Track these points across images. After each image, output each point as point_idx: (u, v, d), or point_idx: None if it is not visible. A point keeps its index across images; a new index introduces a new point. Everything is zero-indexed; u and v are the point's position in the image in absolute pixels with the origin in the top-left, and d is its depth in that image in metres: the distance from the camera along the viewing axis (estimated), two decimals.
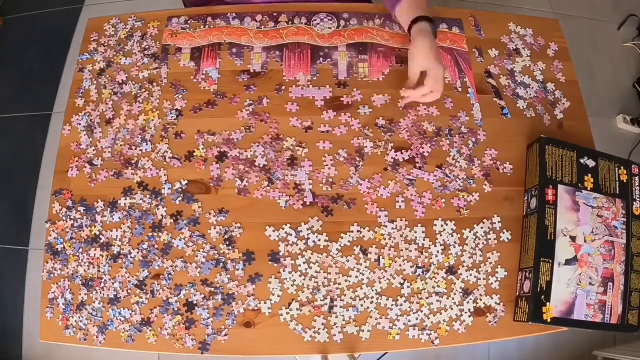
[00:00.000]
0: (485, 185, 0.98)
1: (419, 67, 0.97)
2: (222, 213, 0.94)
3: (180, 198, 0.94)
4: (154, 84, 1.04)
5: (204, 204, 0.94)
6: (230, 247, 0.92)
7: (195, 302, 0.89)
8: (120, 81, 1.05)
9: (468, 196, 0.97)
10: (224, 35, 1.08)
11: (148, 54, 1.07)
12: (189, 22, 1.10)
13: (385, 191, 0.96)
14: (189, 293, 0.89)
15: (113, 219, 0.94)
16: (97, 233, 0.93)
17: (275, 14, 1.10)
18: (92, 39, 1.10)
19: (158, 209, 0.94)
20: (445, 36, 1.11)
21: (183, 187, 0.95)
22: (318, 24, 1.10)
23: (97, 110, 1.02)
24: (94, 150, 0.99)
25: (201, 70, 1.05)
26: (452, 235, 0.94)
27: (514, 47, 1.13)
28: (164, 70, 1.05)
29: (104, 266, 0.91)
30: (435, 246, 0.93)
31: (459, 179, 0.98)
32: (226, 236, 0.92)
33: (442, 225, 0.95)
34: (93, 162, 0.98)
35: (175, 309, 0.89)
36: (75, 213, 0.95)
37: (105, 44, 1.10)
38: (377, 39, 1.09)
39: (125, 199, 0.95)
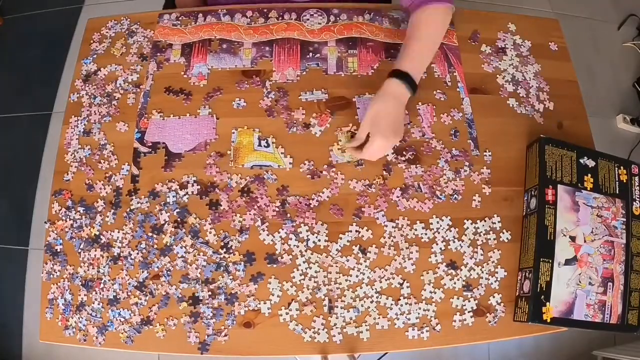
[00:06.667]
0: (485, 187, 0.98)
1: (363, 127, 0.92)
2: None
3: (178, 210, 0.94)
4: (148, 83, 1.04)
5: (199, 214, 0.94)
6: (230, 252, 0.91)
7: (201, 298, 0.89)
8: (120, 82, 1.05)
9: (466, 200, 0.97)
10: (215, 32, 1.09)
11: (144, 55, 1.07)
12: (180, 18, 1.11)
13: (382, 200, 0.95)
14: (195, 289, 0.89)
15: (114, 220, 0.94)
16: (97, 233, 0.93)
17: (265, 11, 1.10)
18: (93, 40, 1.10)
19: (161, 213, 0.94)
20: None
21: (181, 198, 0.94)
22: (308, 19, 1.10)
23: (97, 113, 1.02)
24: (94, 151, 0.99)
25: (191, 66, 1.05)
26: (453, 238, 0.94)
27: (513, 47, 1.13)
28: (152, 66, 1.05)
29: (104, 267, 0.91)
30: (437, 244, 0.93)
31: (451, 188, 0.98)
32: (226, 241, 0.92)
33: (439, 224, 0.94)
34: (92, 163, 0.99)
35: (180, 295, 0.89)
36: (75, 213, 0.95)
37: (105, 44, 1.10)
38: (367, 33, 1.09)
39: (129, 199, 0.95)
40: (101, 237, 0.93)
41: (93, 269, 0.92)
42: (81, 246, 0.93)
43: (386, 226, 0.94)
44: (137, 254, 0.91)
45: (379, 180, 0.97)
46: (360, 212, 0.94)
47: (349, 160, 0.97)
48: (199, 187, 0.95)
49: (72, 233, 0.94)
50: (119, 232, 0.93)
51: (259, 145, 0.98)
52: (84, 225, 0.94)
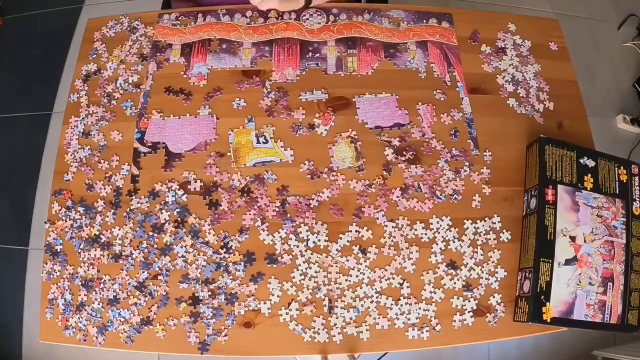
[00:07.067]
0: (485, 187, 0.98)
1: None
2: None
3: (178, 210, 0.94)
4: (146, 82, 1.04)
5: (199, 214, 0.94)
6: (230, 252, 0.91)
7: (201, 298, 0.89)
8: (120, 82, 1.05)
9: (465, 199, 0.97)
10: (214, 32, 1.09)
11: (144, 55, 1.07)
12: (179, 18, 1.11)
13: (382, 200, 0.95)
14: (195, 289, 0.89)
15: (114, 220, 0.94)
16: (97, 233, 0.93)
17: (265, 10, 1.10)
18: (95, 40, 1.10)
19: (161, 212, 0.94)
20: (435, 30, 1.11)
21: (180, 198, 0.95)
22: (307, 19, 1.10)
23: (97, 113, 1.02)
24: (94, 151, 0.99)
25: (191, 66, 1.05)
26: (453, 238, 0.94)
27: (513, 47, 1.13)
28: (152, 66, 1.05)
29: (105, 264, 0.91)
30: (437, 244, 0.93)
31: (450, 188, 0.97)
32: (226, 241, 0.92)
33: (439, 224, 0.94)
34: (92, 163, 0.99)
35: (178, 297, 0.89)
36: (75, 213, 0.95)
37: (105, 44, 1.10)
38: (366, 33, 1.10)
39: (129, 199, 0.95)
40: (101, 236, 0.93)
41: (93, 268, 0.92)
42: (81, 246, 0.93)
43: (386, 226, 0.93)
44: (139, 253, 0.91)
45: (379, 180, 0.97)
46: (360, 212, 0.94)
47: (350, 166, 0.97)
48: (201, 184, 0.95)
49: (72, 233, 0.94)
50: (119, 229, 0.93)
51: (258, 142, 0.98)
52: (84, 225, 0.94)
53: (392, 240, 0.93)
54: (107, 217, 0.94)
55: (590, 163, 0.96)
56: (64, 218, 0.95)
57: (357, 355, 0.96)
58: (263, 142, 0.98)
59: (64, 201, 0.96)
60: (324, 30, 1.09)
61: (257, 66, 1.05)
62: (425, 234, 0.94)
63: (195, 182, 0.95)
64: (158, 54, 1.07)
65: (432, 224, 0.95)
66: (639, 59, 2.27)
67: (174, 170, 0.96)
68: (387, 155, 0.98)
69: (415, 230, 0.94)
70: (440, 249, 0.93)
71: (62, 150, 1.01)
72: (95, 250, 0.92)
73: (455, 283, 0.92)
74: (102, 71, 1.07)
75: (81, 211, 0.95)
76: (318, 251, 0.92)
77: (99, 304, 0.90)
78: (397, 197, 0.96)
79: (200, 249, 0.91)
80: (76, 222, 0.95)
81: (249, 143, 0.98)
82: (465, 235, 0.94)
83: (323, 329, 0.88)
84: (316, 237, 0.92)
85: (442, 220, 0.95)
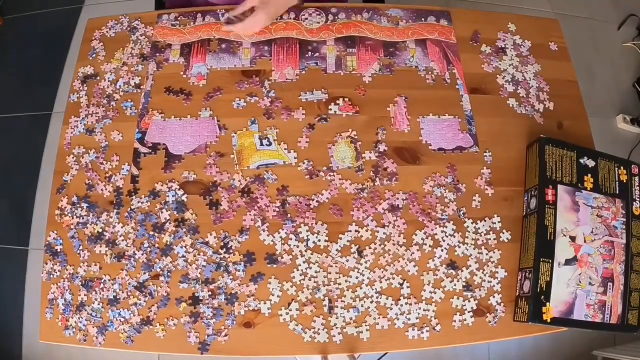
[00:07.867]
0: (485, 188, 0.98)
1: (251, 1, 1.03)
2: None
3: (176, 208, 0.94)
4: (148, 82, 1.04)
5: (199, 214, 0.94)
6: (230, 252, 0.91)
7: (201, 298, 0.89)
8: (120, 83, 1.05)
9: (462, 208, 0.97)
10: (214, 32, 1.09)
11: (144, 55, 1.07)
12: (178, 19, 1.11)
13: (371, 209, 0.95)
14: (195, 289, 0.89)
15: (117, 219, 0.94)
16: (101, 230, 0.93)
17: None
18: (93, 39, 1.10)
19: (162, 212, 0.94)
20: (434, 28, 1.11)
21: (180, 198, 0.95)
22: (306, 18, 1.10)
23: (97, 113, 1.02)
24: (94, 152, 0.99)
25: (191, 66, 1.05)
26: (454, 236, 0.94)
27: (513, 47, 1.13)
28: (152, 67, 1.05)
29: (108, 264, 0.91)
30: (441, 246, 0.93)
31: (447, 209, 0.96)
32: (226, 241, 0.92)
33: (443, 232, 0.94)
34: (93, 163, 0.99)
35: (178, 297, 0.89)
36: (81, 210, 0.95)
37: (105, 45, 1.10)
38: (366, 32, 1.10)
39: (129, 199, 0.95)
40: (105, 233, 0.93)
41: (95, 265, 0.91)
42: (80, 247, 0.93)
43: (377, 231, 0.93)
44: (142, 254, 0.91)
45: (369, 184, 0.96)
46: (362, 214, 0.94)
47: (350, 167, 0.97)
48: (201, 186, 0.95)
49: (74, 232, 0.94)
50: (122, 226, 0.93)
51: (261, 144, 0.98)
52: (89, 222, 0.94)
53: (392, 241, 0.93)
54: (111, 216, 0.94)
55: (590, 163, 0.96)
56: (69, 215, 0.95)
57: (357, 355, 0.96)
58: (267, 145, 0.98)
59: (70, 197, 0.96)
60: (323, 30, 1.09)
61: (256, 66, 1.05)
62: (426, 234, 0.94)
63: (195, 182, 0.95)
64: (157, 54, 1.07)
65: (436, 233, 0.94)
66: (639, 59, 2.27)
67: (174, 171, 0.96)
68: (388, 167, 0.98)
69: (416, 234, 0.94)
70: (442, 249, 0.93)
71: (62, 151, 1.01)
72: (101, 247, 0.92)
73: (455, 284, 0.92)
74: (102, 68, 1.06)
75: (85, 207, 0.95)
76: (318, 251, 0.92)
77: (99, 304, 0.90)
78: (384, 209, 0.95)
79: (200, 249, 0.91)
80: (82, 219, 0.94)
81: (252, 145, 0.98)
82: (467, 237, 0.94)
83: (323, 329, 0.88)
84: (316, 237, 0.92)
85: (446, 227, 0.94)
